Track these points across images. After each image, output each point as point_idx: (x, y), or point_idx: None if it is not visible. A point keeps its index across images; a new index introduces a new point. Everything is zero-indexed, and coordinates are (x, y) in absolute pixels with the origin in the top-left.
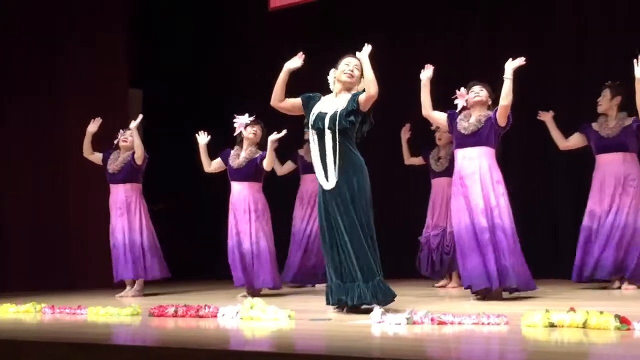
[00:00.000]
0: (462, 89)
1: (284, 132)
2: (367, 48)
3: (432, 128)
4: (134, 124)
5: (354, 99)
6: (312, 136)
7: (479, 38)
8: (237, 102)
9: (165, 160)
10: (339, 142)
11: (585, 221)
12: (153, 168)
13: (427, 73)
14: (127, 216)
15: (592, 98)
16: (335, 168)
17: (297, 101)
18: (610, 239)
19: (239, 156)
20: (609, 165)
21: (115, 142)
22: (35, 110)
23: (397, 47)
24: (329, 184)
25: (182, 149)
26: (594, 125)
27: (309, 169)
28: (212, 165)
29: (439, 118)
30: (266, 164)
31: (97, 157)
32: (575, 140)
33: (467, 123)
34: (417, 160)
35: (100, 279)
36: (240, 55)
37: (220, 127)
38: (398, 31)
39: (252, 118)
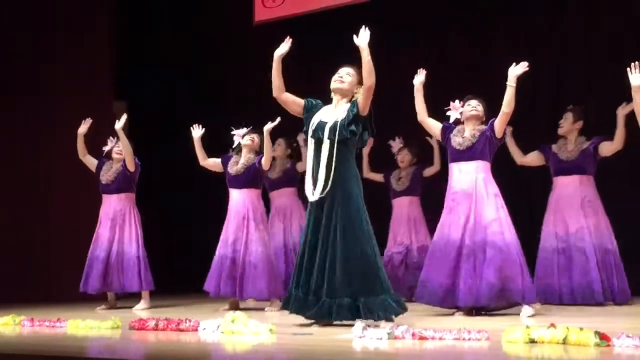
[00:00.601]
0: (457, 101)
1: (278, 119)
2: (366, 33)
3: (394, 151)
4: (118, 125)
5: (354, 104)
6: (309, 145)
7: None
8: (231, 110)
9: (153, 171)
10: (336, 153)
11: (542, 242)
12: (141, 178)
13: (419, 78)
14: (120, 227)
15: (554, 118)
16: (328, 181)
17: (300, 102)
18: (586, 263)
19: (238, 163)
20: (566, 188)
21: (106, 148)
22: (24, 113)
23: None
24: (314, 196)
25: (170, 160)
26: (554, 147)
27: (275, 185)
28: (208, 161)
29: (434, 126)
30: (264, 161)
31: (91, 162)
32: (534, 158)
33: (462, 138)
34: (378, 177)
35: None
36: (233, 61)
37: (212, 136)
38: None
39: (249, 129)
